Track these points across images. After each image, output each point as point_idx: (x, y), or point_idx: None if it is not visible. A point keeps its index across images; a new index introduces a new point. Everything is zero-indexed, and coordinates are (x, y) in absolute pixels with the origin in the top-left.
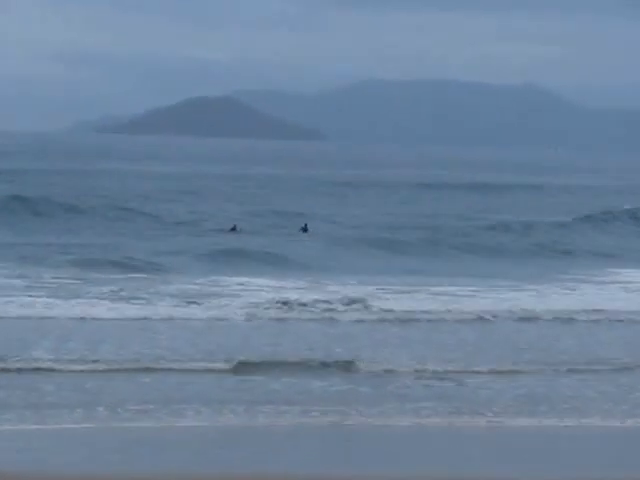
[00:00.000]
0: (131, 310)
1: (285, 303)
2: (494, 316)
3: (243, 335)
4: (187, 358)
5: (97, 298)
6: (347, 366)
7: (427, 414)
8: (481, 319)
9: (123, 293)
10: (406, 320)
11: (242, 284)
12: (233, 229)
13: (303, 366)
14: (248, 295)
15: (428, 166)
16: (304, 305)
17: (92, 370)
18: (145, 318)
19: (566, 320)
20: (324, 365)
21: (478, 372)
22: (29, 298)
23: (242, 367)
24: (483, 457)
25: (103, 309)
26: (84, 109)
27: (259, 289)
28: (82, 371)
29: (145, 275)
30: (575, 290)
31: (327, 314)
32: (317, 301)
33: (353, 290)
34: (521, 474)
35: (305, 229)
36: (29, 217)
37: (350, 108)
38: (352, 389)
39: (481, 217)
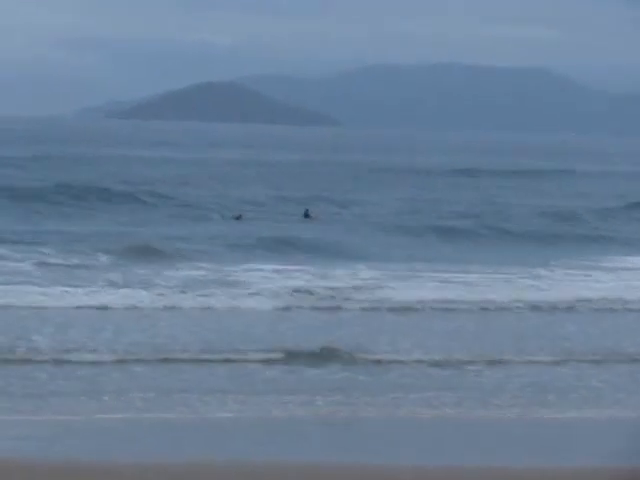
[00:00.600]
0: (188, 301)
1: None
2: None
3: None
4: (245, 348)
5: (143, 287)
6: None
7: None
8: (484, 309)
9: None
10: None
11: (277, 271)
12: (238, 217)
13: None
14: (285, 283)
15: (453, 152)
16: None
17: (136, 359)
18: (209, 308)
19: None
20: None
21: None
22: (88, 289)
23: (292, 358)
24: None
25: (174, 299)
26: (89, 94)
27: (293, 277)
28: (138, 360)
29: (183, 263)
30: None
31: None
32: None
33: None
34: (526, 464)
35: (307, 214)
36: (73, 203)
37: (358, 93)
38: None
39: (516, 204)
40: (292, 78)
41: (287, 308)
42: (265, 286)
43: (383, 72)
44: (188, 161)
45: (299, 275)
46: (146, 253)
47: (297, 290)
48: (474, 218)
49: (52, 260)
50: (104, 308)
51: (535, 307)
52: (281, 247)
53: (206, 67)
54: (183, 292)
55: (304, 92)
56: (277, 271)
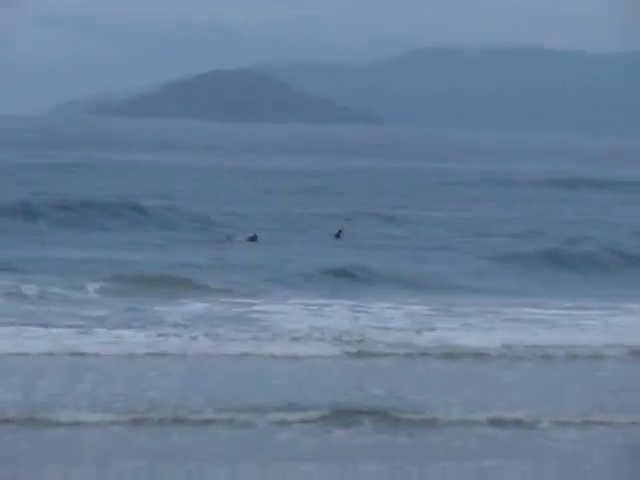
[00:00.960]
0: (234, 346)
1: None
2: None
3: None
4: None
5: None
6: None
7: None
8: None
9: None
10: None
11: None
12: (253, 238)
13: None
14: (311, 322)
15: (539, 157)
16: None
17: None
18: (273, 356)
19: None
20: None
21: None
22: (127, 331)
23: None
24: None
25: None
26: (71, 86)
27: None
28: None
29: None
30: None
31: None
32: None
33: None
34: None
35: (338, 235)
36: (63, 220)
37: (398, 84)
38: None
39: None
40: (321, 65)
41: (319, 356)
42: (289, 326)
43: (426, 59)
44: (195, 169)
45: (328, 312)
46: (152, 284)
47: (329, 332)
48: (585, 241)
49: (28, 291)
50: (93, 355)
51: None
52: (302, 276)
53: (217, 52)
54: (192, 335)
55: (336, 82)
56: (297, 306)
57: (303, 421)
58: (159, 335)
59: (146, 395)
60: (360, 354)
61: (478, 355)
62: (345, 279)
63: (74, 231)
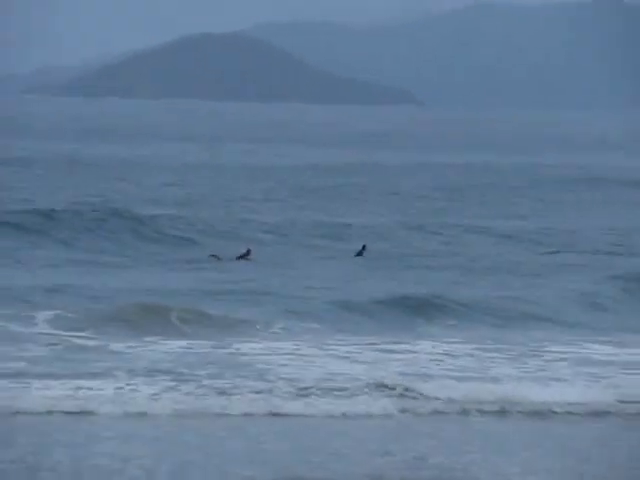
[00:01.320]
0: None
1: None
2: None
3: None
4: None
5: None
6: None
7: None
8: None
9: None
10: None
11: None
12: (245, 256)
13: None
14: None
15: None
16: None
17: None
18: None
19: None
20: None
21: None
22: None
23: None
24: None
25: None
26: (8, 57)
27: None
28: None
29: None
30: None
31: None
32: None
33: None
34: None
35: (361, 253)
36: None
37: (421, 50)
38: None
39: None
40: (330, 29)
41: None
42: (302, 374)
43: (449, 21)
44: (180, 164)
45: (356, 354)
46: (119, 315)
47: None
48: None
49: None
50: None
51: None
52: (303, 308)
53: (202, 12)
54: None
55: (349, 50)
56: (303, 345)
57: None
58: (126, 386)
59: None
60: (415, 410)
61: (588, 414)
62: (397, 310)
63: (23, 245)
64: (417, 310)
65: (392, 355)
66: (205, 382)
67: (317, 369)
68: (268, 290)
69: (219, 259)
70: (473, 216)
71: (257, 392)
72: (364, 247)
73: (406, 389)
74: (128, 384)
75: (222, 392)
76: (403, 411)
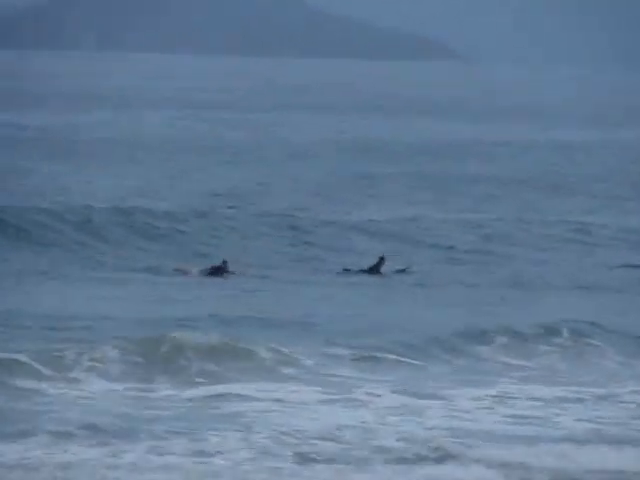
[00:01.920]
0: None
1: None
2: None
3: None
4: None
5: None
6: None
7: None
8: None
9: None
10: None
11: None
12: (218, 270)
13: None
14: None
15: None
16: None
17: None
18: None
19: None
20: None
21: None
22: None
23: None
24: None
25: None
26: None
27: None
28: None
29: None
30: None
31: None
32: None
33: None
34: None
35: (376, 268)
36: None
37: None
38: None
39: None
40: None
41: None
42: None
43: None
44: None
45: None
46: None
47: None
48: None
49: None
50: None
51: None
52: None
53: None
54: None
55: None
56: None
57: None
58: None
59: None
60: None
61: None
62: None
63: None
64: None
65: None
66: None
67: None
68: (303, 319)
69: (185, 273)
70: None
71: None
72: (382, 260)
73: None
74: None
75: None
76: None
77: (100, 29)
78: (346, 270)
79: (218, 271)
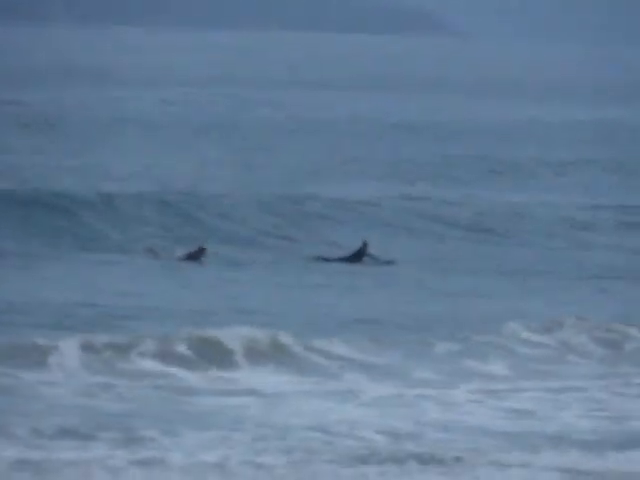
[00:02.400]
0: None
1: None
2: None
3: None
4: None
5: None
6: None
7: None
8: None
9: None
10: None
11: None
12: (195, 255)
13: None
14: None
15: None
16: None
17: None
18: None
19: None
20: None
21: None
22: None
23: None
24: None
25: None
26: None
27: None
28: None
29: None
30: None
31: None
32: None
33: None
34: None
35: (360, 253)
36: None
37: None
38: None
39: None
40: None
41: None
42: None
43: None
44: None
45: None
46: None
47: None
48: None
49: None
50: None
51: None
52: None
53: None
54: None
55: None
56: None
57: None
58: None
59: None
60: None
61: None
62: None
63: None
64: None
65: None
66: None
67: None
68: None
69: (156, 254)
70: None
71: None
72: (364, 246)
73: None
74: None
75: None
76: None
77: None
78: (323, 259)
79: (195, 256)
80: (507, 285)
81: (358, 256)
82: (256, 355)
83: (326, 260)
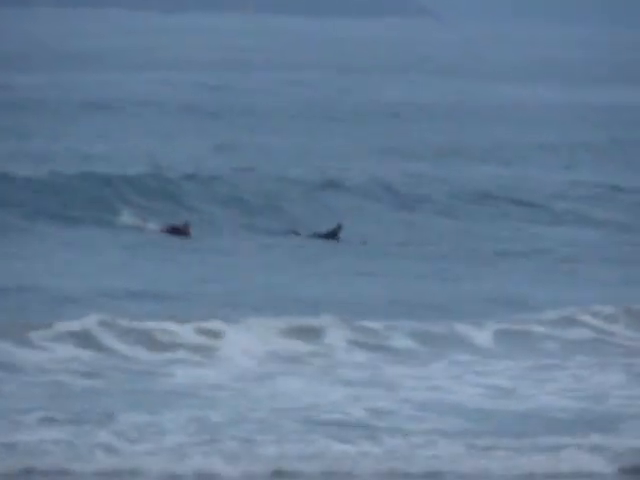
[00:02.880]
0: None
1: None
2: None
3: None
4: None
5: None
6: None
7: None
8: None
9: None
10: None
11: None
12: (182, 229)
13: None
14: None
15: None
16: None
17: None
18: None
19: None
20: None
21: None
22: None
23: None
24: None
25: None
26: None
27: None
28: None
29: None
30: None
31: None
32: None
33: None
34: None
35: (333, 234)
36: None
37: None
38: None
39: None
40: None
41: None
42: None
43: None
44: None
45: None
46: None
47: None
48: None
49: None
50: None
51: None
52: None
53: None
54: None
55: None
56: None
57: None
58: None
59: None
60: None
61: None
62: None
63: None
64: None
65: None
66: None
67: None
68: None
69: (141, 227)
70: None
71: None
72: (338, 227)
73: None
74: None
75: None
76: None
77: None
78: (295, 233)
79: (178, 231)
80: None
81: (331, 235)
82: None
83: (297, 234)
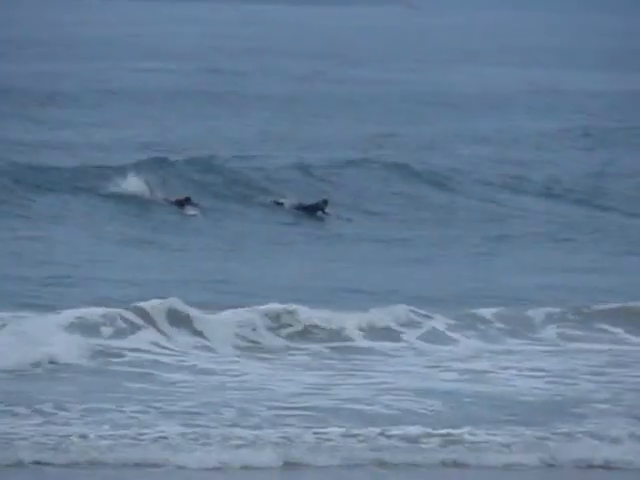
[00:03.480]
0: None
1: None
2: None
3: None
4: None
5: None
6: None
7: None
8: None
9: None
10: None
11: None
12: (183, 202)
13: None
14: None
15: None
16: None
17: None
18: None
19: None
20: None
21: None
22: None
23: None
24: None
25: None
26: None
27: None
28: None
29: None
30: None
31: None
32: None
33: None
34: None
35: (319, 207)
36: None
37: None
38: None
39: None
40: None
41: None
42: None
43: None
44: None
45: None
46: None
47: None
48: None
49: None
50: None
51: None
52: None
53: None
54: None
55: None
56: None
57: None
58: None
59: None
60: None
61: None
62: None
63: None
64: None
65: None
66: None
67: None
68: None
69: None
70: None
71: None
72: (324, 202)
73: None
74: None
75: None
76: None
77: None
78: (278, 203)
79: (180, 203)
80: None
81: (315, 209)
82: None
83: (280, 205)
